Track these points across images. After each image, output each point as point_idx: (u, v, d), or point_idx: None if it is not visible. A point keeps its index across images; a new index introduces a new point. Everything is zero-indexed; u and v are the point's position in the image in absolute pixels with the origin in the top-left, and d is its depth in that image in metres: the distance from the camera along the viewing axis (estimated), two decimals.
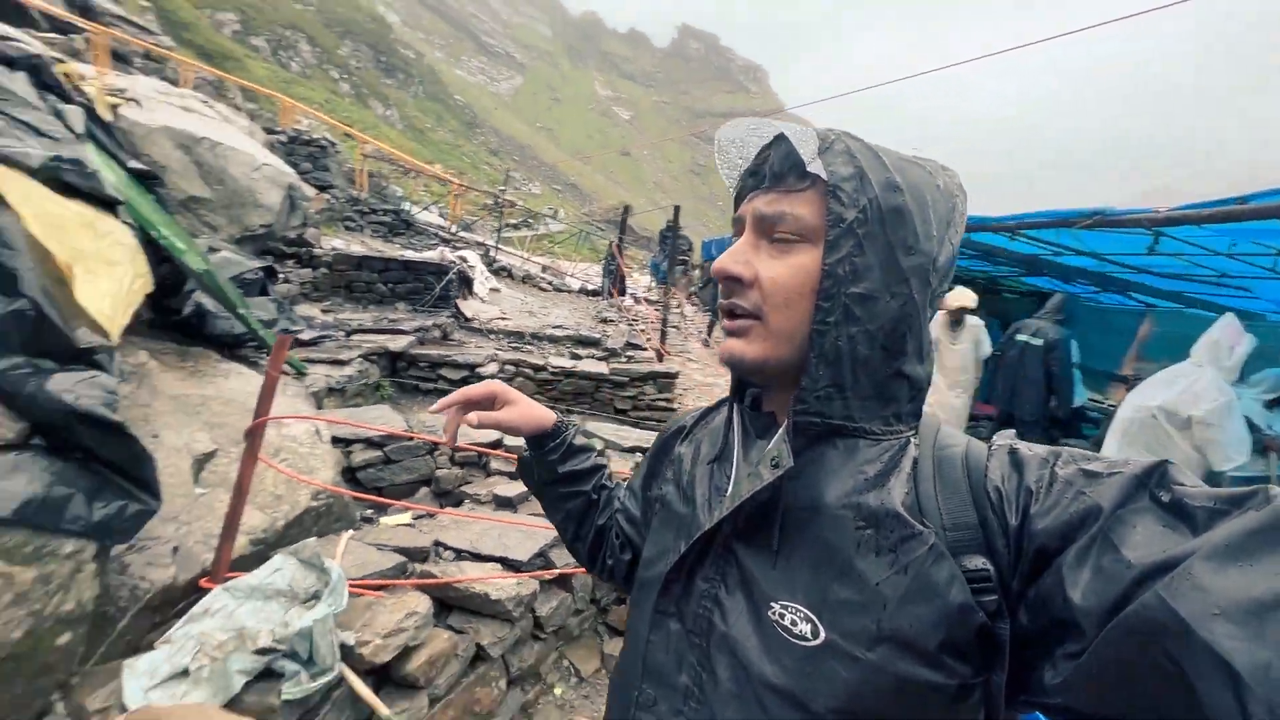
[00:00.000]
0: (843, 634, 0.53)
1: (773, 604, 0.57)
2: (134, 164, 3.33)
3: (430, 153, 46.46)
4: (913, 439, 0.60)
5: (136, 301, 2.46)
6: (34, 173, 2.23)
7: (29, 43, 3.61)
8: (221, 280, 3.42)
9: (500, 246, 10.50)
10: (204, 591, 1.96)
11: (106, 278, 2.27)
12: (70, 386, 1.85)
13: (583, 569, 1.01)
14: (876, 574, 0.54)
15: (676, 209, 7.61)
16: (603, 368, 5.44)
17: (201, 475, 2.42)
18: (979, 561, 0.52)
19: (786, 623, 0.55)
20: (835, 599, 0.54)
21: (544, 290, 10.48)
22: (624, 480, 0.99)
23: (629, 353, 6.09)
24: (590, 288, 11.60)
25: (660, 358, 6.31)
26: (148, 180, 3.43)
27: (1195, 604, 0.36)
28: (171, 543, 2.08)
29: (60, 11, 8.33)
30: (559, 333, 6.46)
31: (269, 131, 8.96)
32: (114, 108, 5.01)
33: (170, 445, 2.40)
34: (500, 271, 10.16)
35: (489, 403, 0.88)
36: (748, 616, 0.58)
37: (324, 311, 5.95)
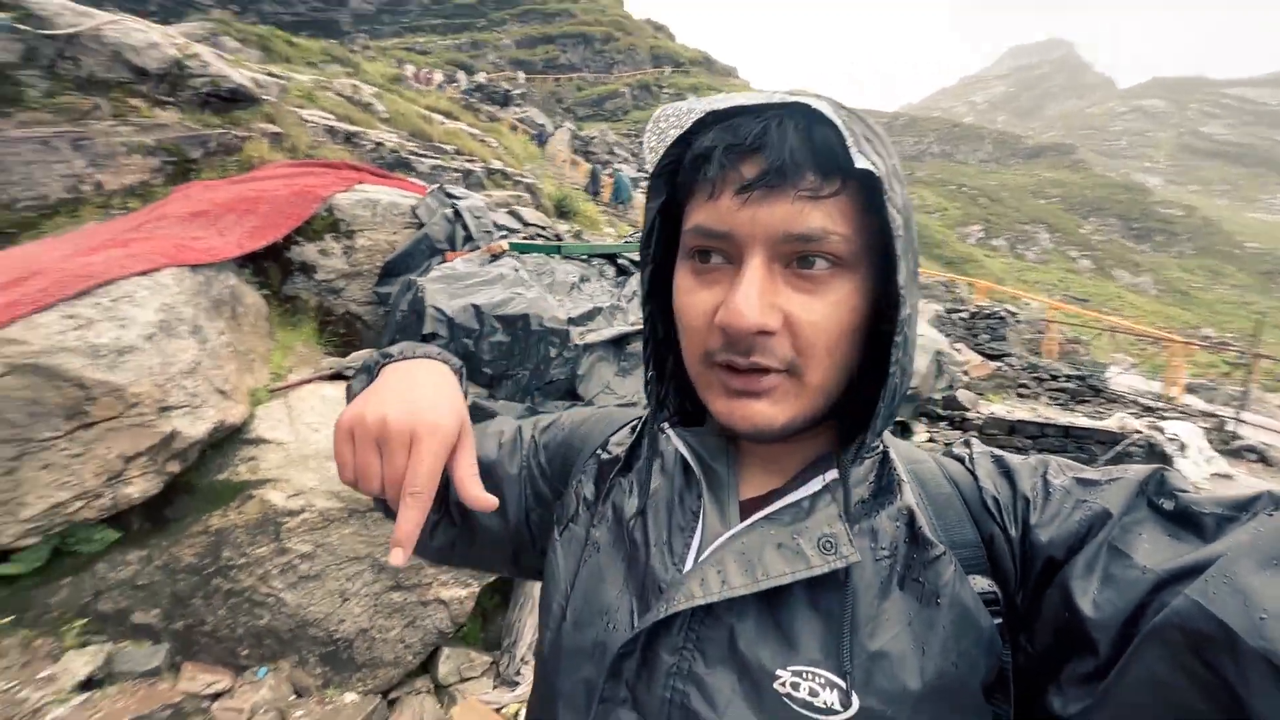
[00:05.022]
0: (880, 696, 0.43)
1: (779, 672, 0.44)
2: None
3: (1197, 316, 37.90)
4: (888, 450, 0.53)
5: None
6: None
7: None
8: None
9: (1242, 419, 7.50)
10: None
11: None
12: None
13: None
14: (906, 611, 0.45)
15: None
16: None
17: None
18: (985, 583, 0.46)
19: (803, 694, 0.43)
20: (865, 651, 0.44)
21: None
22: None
23: None
24: None
25: None
26: None
27: (1237, 608, 0.32)
28: None
29: None
30: None
31: (951, 311, 10.01)
32: None
33: None
34: (1243, 452, 7.27)
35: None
36: (743, 695, 0.45)
37: None
